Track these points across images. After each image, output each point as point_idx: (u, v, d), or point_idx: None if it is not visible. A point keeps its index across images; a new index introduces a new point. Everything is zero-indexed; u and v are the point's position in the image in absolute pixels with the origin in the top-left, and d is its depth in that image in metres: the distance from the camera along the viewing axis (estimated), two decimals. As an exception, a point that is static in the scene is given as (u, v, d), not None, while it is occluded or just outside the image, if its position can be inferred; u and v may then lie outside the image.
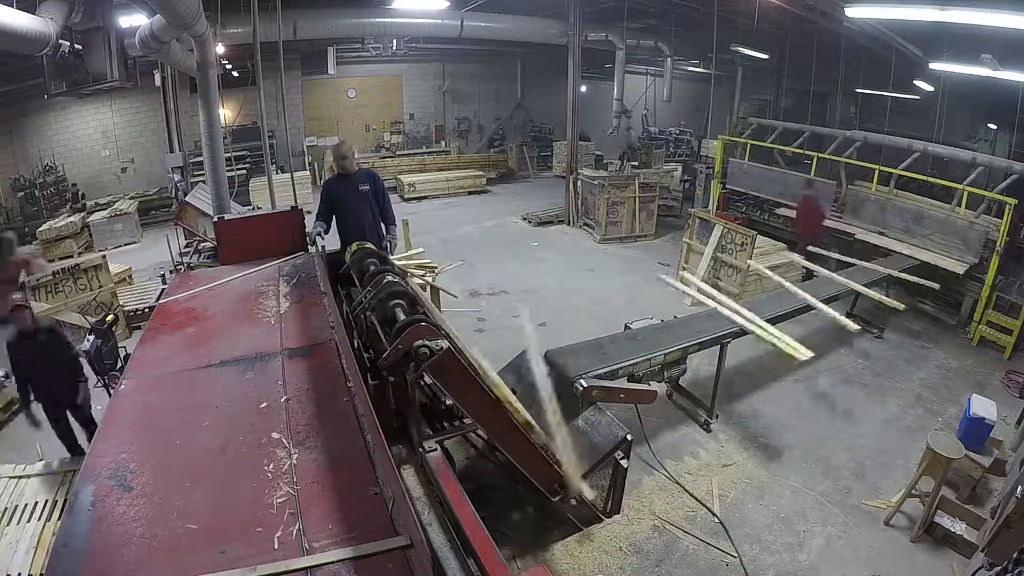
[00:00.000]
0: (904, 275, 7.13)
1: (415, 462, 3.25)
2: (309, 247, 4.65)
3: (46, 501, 3.75)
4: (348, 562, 1.81)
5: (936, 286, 7.04)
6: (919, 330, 7.42)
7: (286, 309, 3.52)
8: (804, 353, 4.85)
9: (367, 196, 5.06)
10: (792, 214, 9.05)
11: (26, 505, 3.73)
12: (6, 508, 3.69)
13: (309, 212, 5.19)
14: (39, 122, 12.06)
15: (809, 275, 7.75)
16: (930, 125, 12.15)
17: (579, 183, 11.68)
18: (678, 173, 13.89)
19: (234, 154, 11.01)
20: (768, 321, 5.47)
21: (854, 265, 7.39)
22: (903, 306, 6.63)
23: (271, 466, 2.19)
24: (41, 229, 9.97)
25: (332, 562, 1.81)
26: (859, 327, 6.30)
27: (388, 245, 5.19)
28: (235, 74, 13.33)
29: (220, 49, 9.15)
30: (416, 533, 1.88)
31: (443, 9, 11.01)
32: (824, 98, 16.06)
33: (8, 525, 3.57)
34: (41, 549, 3.36)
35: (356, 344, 3.72)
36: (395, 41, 14.88)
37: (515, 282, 8.77)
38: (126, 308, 6.92)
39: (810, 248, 8.00)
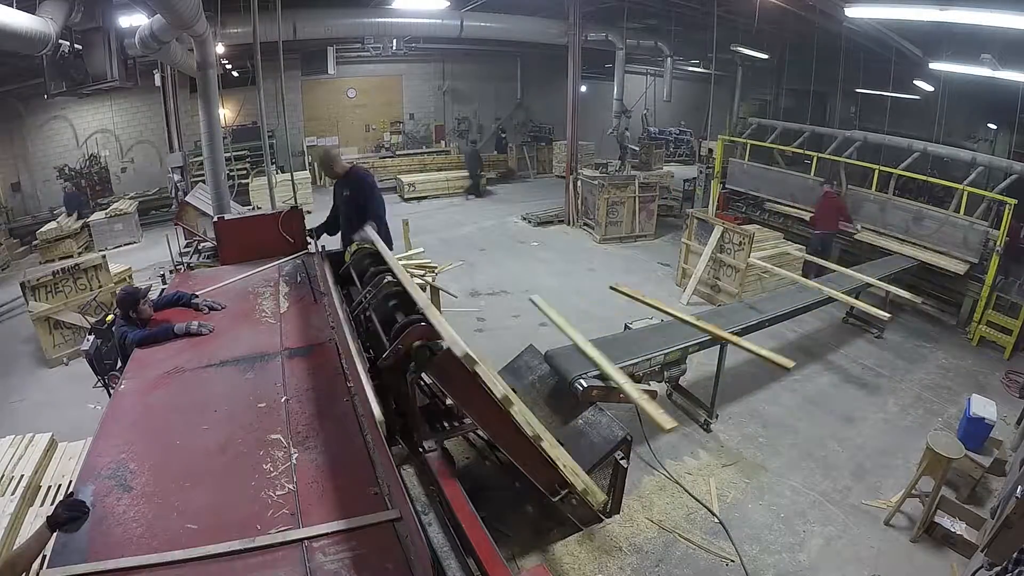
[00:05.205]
0: (888, 284, 6.90)
1: (415, 462, 3.24)
2: (308, 239, 4.67)
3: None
4: (340, 534, 1.87)
5: (918, 300, 7.08)
6: (919, 330, 7.42)
7: (286, 309, 3.52)
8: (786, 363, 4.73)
9: (349, 200, 5.06)
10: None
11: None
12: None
13: (309, 212, 5.18)
14: (39, 122, 12.06)
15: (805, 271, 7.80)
16: (930, 125, 12.10)
17: (579, 183, 11.68)
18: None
19: (234, 154, 11.03)
20: (769, 322, 5.47)
21: (854, 265, 7.40)
22: (920, 299, 6.60)
23: (271, 466, 2.19)
24: (42, 230, 9.99)
25: (326, 534, 1.85)
26: (890, 315, 6.41)
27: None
28: (235, 74, 13.32)
29: (220, 49, 9.14)
30: (416, 535, 1.88)
31: (443, 9, 11.00)
32: (824, 98, 16.04)
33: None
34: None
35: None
36: (395, 41, 14.88)
37: (515, 282, 8.77)
38: (126, 308, 6.92)
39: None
